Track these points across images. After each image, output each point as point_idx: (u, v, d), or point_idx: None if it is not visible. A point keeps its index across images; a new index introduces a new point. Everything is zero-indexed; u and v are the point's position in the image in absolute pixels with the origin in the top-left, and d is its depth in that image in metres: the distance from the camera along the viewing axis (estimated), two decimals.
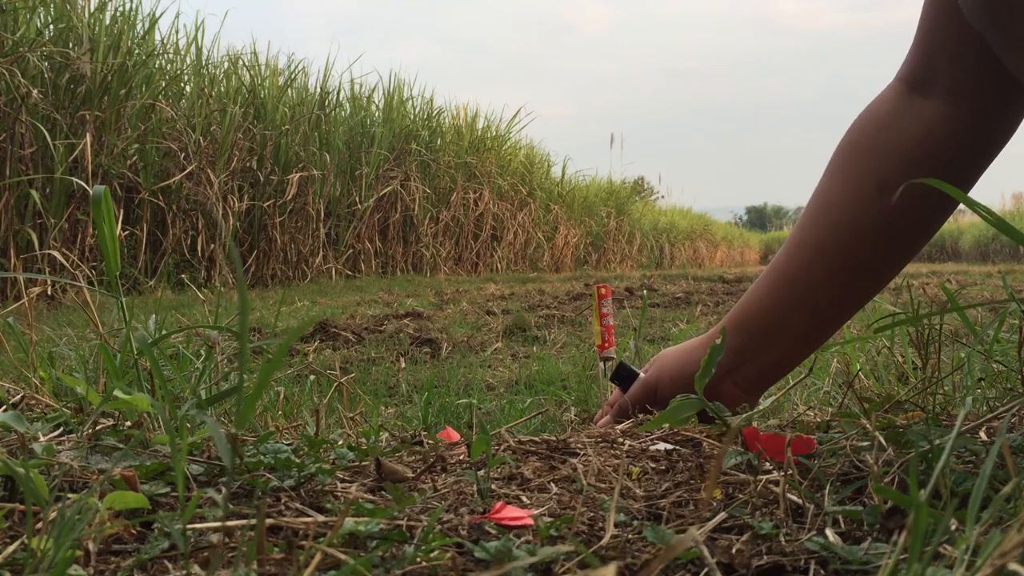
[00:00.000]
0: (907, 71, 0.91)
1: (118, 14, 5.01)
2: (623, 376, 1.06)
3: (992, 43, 0.78)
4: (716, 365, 0.79)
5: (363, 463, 0.75)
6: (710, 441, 0.83)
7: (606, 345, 1.15)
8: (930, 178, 0.87)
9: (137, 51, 5.09)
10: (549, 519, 0.60)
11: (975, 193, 0.95)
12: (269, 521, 0.57)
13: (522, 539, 0.56)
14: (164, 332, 0.95)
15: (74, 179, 4.22)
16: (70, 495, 0.58)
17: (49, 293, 3.87)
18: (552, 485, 0.70)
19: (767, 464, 0.72)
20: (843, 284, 0.94)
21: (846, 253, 0.92)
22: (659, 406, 1.02)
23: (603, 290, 1.17)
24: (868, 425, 0.73)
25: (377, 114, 7.75)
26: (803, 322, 0.95)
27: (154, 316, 1.14)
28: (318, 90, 6.95)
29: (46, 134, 4.16)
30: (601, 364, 1.18)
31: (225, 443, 0.38)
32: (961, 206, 0.73)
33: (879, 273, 0.95)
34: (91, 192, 0.81)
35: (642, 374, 1.05)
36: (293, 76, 6.65)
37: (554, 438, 0.87)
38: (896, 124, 0.90)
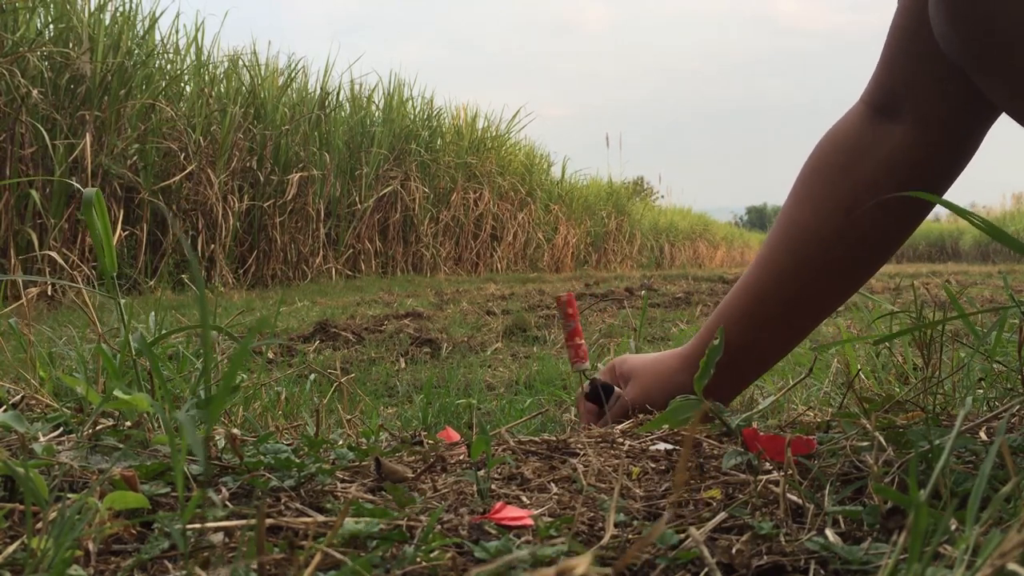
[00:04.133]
0: (871, 94, 0.93)
1: (118, 14, 5.01)
2: (598, 394, 1.04)
3: (972, 75, 0.77)
4: (689, 384, 0.79)
5: (363, 463, 0.75)
6: (710, 441, 0.83)
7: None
8: (894, 199, 0.89)
9: (137, 51, 5.09)
10: (549, 519, 0.60)
11: (978, 191, 0.96)
12: (269, 521, 0.57)
13: (522, 539, 0.56)
14: (163, 332, 0.95)
15: (72, 181, 4.22)
16: (70, 495, 0.58)
17: (49, 293, 3.87)
18: (552, 485, 0.70)
19: (767, 464, 0.72)
20: (810, 300, 0.97)
21: (813, 272, 0.95)
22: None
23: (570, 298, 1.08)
24: (868, 425, 0.73)
25: (377, 114, 7.75)
26: (772, 337, 0.99)
27: (154, 316, 1.14)
28: (318, 90, 6.95)
29: (45, 134, 4.16)
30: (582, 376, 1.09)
31: (200, 445, 0.38)
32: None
33: (844, 289, 0.99)
34: (83, 194, 0.80)
35: (618, 390, 1.04)
36: (293, 76, 6.65)
37: (554, 438, 0.87)
38: (861, 148, 0.92)
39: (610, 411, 1.03)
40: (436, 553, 0.52)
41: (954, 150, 0.90)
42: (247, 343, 0.38)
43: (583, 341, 1.08)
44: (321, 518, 0.59)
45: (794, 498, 0.63)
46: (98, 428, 0.76)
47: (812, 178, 0.95)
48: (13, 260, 4.01)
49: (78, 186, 4.18)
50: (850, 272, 0.96)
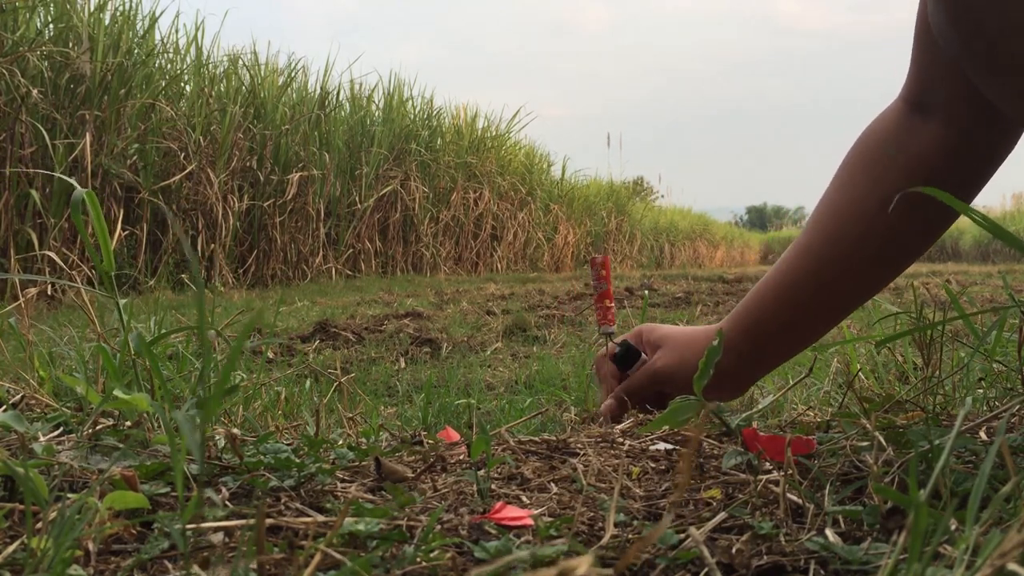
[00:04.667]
0: (907, 91, 0.94)
1: (118, 13, 5.01)
2: (628, 357, 1.03)
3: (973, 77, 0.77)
4: (720, 366, 0.78)
5: (363, 463, 0.75)
6: (710, 441, 0.83)
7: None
8: (927, 195, 0.89)
9: (137, 51, 5.09)
10: (549, 519, 0.60)
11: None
12: (269, 521, 0.57)
13: (522, 539, 0.56)
14: (163, 332, 0.95)
15: (72, 179, 4.22)
16: (70, 495, 0.58)
17: (49, 293, 3.87)
18: (552, 485, 0.70)
19: (767, 464, 0.72)
20: (842, 291, 0.97)
21: (848, 263, 0.95)
22: (669, 395, 1.02)
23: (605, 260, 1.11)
24: (868, 425, 0.73)
25: (377, 114, 7.75)
26: (803, 327, 0.99)
27: (154, 316, 1.14)
28: (318, 90, 6.95)
29: (45, 134, 4.16)
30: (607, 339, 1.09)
31: (198, 444, 0.38)
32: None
33: (877, 281, 0.99)
34: (72, 195, 0.81)
35: (645, 356, 1.04)
36: (293, 76, 6.65)
37: (554, 438, 0.87)
38: (896, 143, 0.93)
39: (633, 375, 1.02)
40: (436, 553, 0.52)
41: (984, 148, 0.90)
42: (240, 341, 0.38)
43: (612, 304, 1.07)
44: (321, 518, 0.59)
45: (794, 498, 0.63)
46: (98, 428, 0.76)
47: (849, 168, 0.96)
48: (13, 260, 4.01)
49: (75, 184, 4.18)
50: (879, 265, 0.96)
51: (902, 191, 0.91)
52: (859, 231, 0.94)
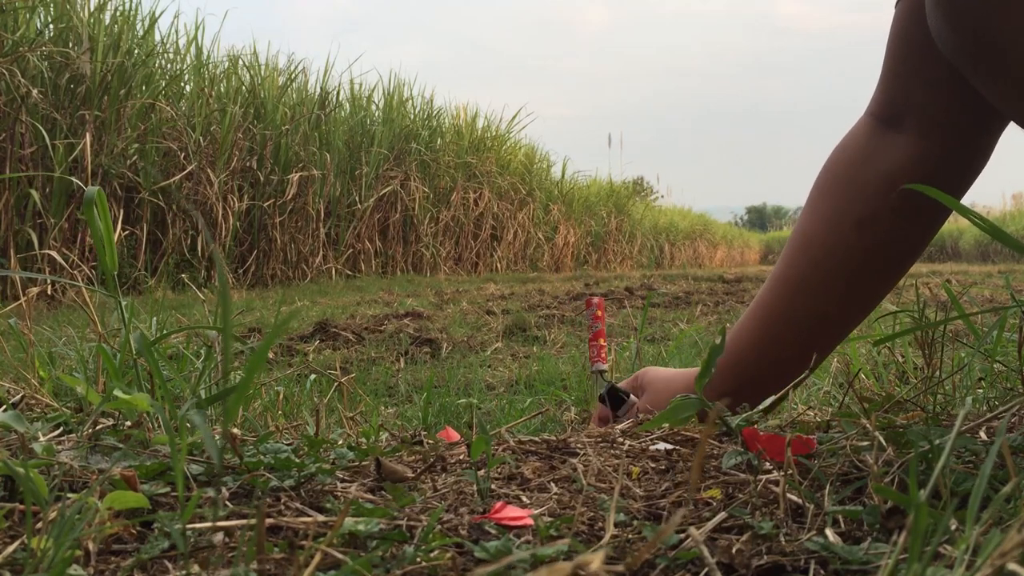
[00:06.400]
0: (877, 106, 0.91)
1: (118, 14, 5.01)
2: (613, 398, 1.05)
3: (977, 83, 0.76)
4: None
5: (363, 463, 0.75)
6: (710, 441, 0.83)
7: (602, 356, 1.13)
8: (908, 209, 0.88)
9: (137, 51, 5.09)
10: (549, 519, 0.60)
11: (978, 191, 0.95)
12: (269, 521, 0.57)
13: (522, 539, 0.56)
14: (163, 332, 0.95)
15: (73, 179, 4.22)
16: (70, 495, 0.58)
17: (49, 293, 3.87)
18: (552, 485, 0.70)
19: (767, 464, 0.72)
20: (829, 318, 0.95)
21: (829, 288, 0.93)
22: None
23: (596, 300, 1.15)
24: (868, 425, 0.73)
25: (377, 114, 7.75)
26: (793, 358, 0.95)
27: (154, 316, 1.14)
28: (318, 90, 6.95)
29: (45, 134, 4.16)
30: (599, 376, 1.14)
31: (214, 442, 0.38)
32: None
33: (863, 304, 0.96)
34: (84, 193, 0.81)
35: (633, 398, 1.05)
36: (293, 76, 6.65)
37: (554, 438, 0.87)
38: (870, 160, 0.90)
39: (621, 417, 1.04)
40: (436, 553, 0.52)
41: (961, 158, 0.89)
42: (268, 342, 0.38)
43: (605, 343, 1.10)
44: (321, 518, 0.59)
45: (794, 498, 0.63)
46: (98, 428, 0.76)
47: (821, 190, 0.94)
48: (13, 259, 4.01)
49: (79, 183, 4.19)
50: (865, 286, 0.93)
51: (878, 209, 0.89)
52: (836, 256, 0.91)
